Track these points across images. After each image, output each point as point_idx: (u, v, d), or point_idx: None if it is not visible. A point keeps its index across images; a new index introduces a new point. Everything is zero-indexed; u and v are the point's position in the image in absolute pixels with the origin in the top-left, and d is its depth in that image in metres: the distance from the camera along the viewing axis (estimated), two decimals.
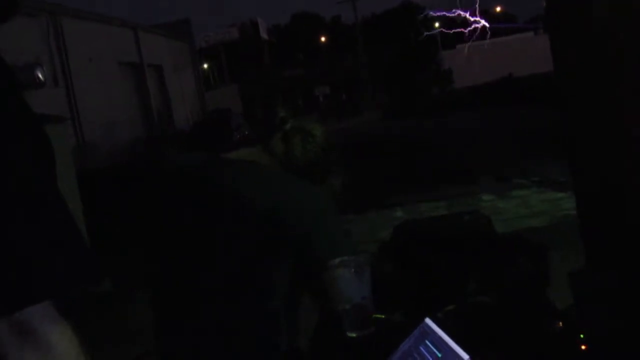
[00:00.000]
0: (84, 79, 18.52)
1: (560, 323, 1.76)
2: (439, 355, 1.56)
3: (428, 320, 1.68)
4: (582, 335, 1.66)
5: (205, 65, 47.46)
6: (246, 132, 2.21)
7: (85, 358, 1.10)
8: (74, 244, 1.10)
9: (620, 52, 2.25)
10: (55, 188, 1.11)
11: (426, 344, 1.62)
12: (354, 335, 1.84)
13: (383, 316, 1.94)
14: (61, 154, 7.62)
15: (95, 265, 1.13)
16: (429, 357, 1.58)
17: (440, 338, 1.59)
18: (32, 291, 1.04)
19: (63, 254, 1.07)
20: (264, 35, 51.29)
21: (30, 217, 1.05)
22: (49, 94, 14.98)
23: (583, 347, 1.65)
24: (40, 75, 13.14)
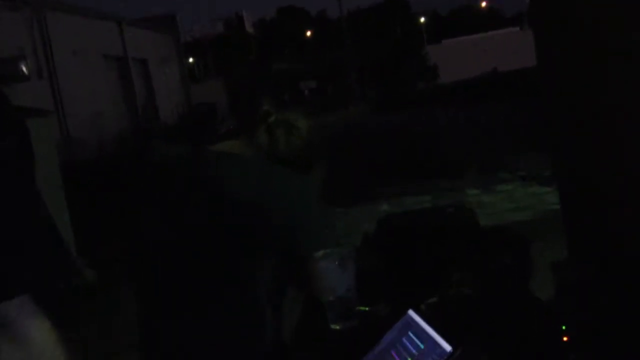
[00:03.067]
0: (69, 72, 18.43)
1: (543, 315, 1.78)
2: (422, 347, 1.57)
3: (411, 312, 1.69)
4: (564, 327, 1.67)
5: (191, 59, 47.31)
6: (231, 126, 2.21)
7: (63, 350, 1.11)
8: (50, 241, 1.10)
9: (604, 48, 2.26)
10: (33, 184, 1.11)
11: (409, 336, 1.63)
12: (337, 327, 1.85)
13: (367, 308, 1.95)
14: (45, 147, 7.58)
15: (71, 262, 1.13)
16: (411, 348, 1.59)
17: (423, 330, 1.60)
18: (7, 287, 1.04)
19: (38, 251, 1.07)
20: (249, 29, 51.12)
21: (5, 215, 1.05)
22: (33, 87, 14.90)
23: (565, 338, 1.66)
24: (24, 69, 13.06)
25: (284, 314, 2.03)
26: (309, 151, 2.15)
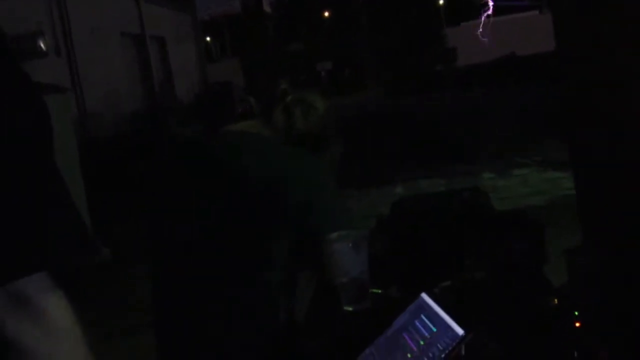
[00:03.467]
0: (86, 49, 18.44)
1: (555, 300, 1.77)
2: (434, 330, 1.57)
3: (424, 295, 1.69)
4: (576, 313, 1.67)
5: (208, 38, 47.23)
6: (248, 106, 2.22)
7: (80, 326, 1.12)
8: (68, 217, 1.11)
9: (624, 32, 2.24)
10: (51, 159, 1.12)
11: (422, 319, 1.63)
12: (350, 309, 1.85)
13: (380, 291, 1.96)
14: (62, 123, 7.61)
15: (89, 239, 1.14)
16: (424, 331, 1.59)
17: (435, 313, 1.61)
18: (26, 263, 1.06)
19: (57, 227, 1.08)
20: (267, 8, 50.98)
21: (25, 190, 1.06)
22: (51, 63, 14.94)
23: (577, 324, 1.66)
24: (42, 45, 13.11)
25: (298, 294, 2.04)
26: (325, 131, 2.16)
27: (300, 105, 2.15)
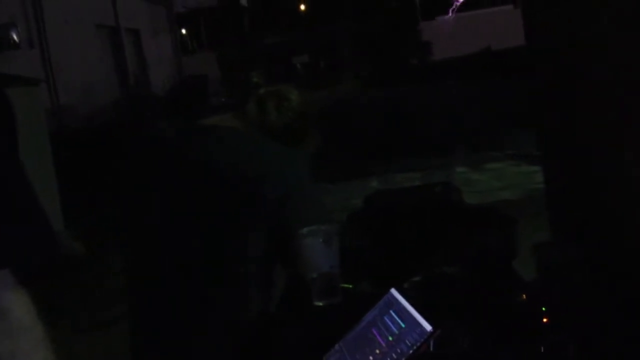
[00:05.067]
0: (60, 41, 18.30)
1: (524, 296, 1.78)
2: (403, 326, 1.57)
3: (393, 291, 1.70)
4: (544, 309, 1.68)
5: (183, 31, 47.00)
6: (223, 99, 2.20)
7: (44, 324, 1.10)
8: (30, 216, 1.09)
9: (592, 25, 2.25)
10: (13, 154, 1.10)
11: (391, 315, 1.63)
12: (320, 304, 1.85)
13: (350, 286, 1.95)
14: (34, 116, 7.56)
15: (53, 236, 1.12)
16: (392, 327, 1.60)
17: (404, 309, 1.61)
18: None
19: (17, 225, 1.07)
20: (243, 1, 50.80)
21: None
22: (24, 55, 14.82)
23: (545, 320, 1.67)
24: (15, 37, 13.00)
25: (272, 288, 2.04)
26: (299, 124, 2.15)
27: (273, 97, 2.14)
